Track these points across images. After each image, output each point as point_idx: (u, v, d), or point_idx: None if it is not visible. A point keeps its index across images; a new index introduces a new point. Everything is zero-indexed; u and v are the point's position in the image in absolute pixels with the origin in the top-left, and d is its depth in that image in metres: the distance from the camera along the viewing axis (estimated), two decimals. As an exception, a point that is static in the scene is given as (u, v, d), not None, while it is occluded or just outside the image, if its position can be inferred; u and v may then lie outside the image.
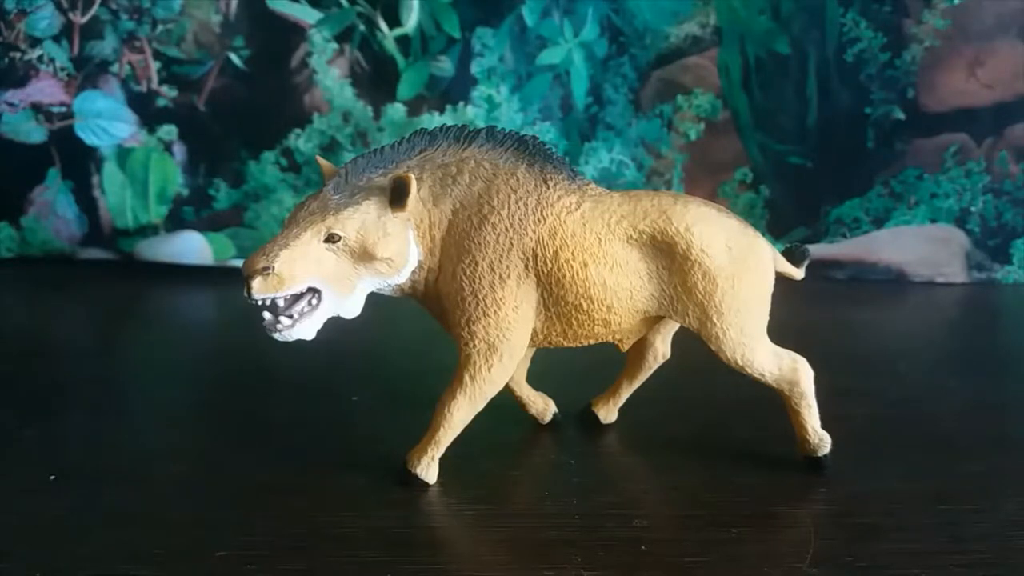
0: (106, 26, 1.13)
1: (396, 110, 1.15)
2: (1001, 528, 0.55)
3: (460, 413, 0.59)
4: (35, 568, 0.50)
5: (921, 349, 0.93)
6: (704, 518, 0.56)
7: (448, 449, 0.60)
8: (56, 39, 1.14)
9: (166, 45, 1.14)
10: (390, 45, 1.13)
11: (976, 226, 1.14)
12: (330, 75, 1.14)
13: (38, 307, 1.07)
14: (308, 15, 1.13)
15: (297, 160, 1.16)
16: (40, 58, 1.14)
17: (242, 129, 1.16)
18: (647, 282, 0.58)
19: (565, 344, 0.61)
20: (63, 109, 1.16)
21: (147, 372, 0.85)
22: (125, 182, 1.17)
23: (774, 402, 0.63)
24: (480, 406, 0.59)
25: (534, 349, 0.65)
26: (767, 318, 0.60)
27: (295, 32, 1.13)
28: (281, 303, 0.55)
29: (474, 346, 0.58)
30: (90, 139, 1.16)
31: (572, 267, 0.57)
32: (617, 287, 0.58)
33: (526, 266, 0.57)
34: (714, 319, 0.58)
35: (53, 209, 1.18)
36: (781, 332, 0.62)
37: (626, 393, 0.70)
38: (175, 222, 1.18)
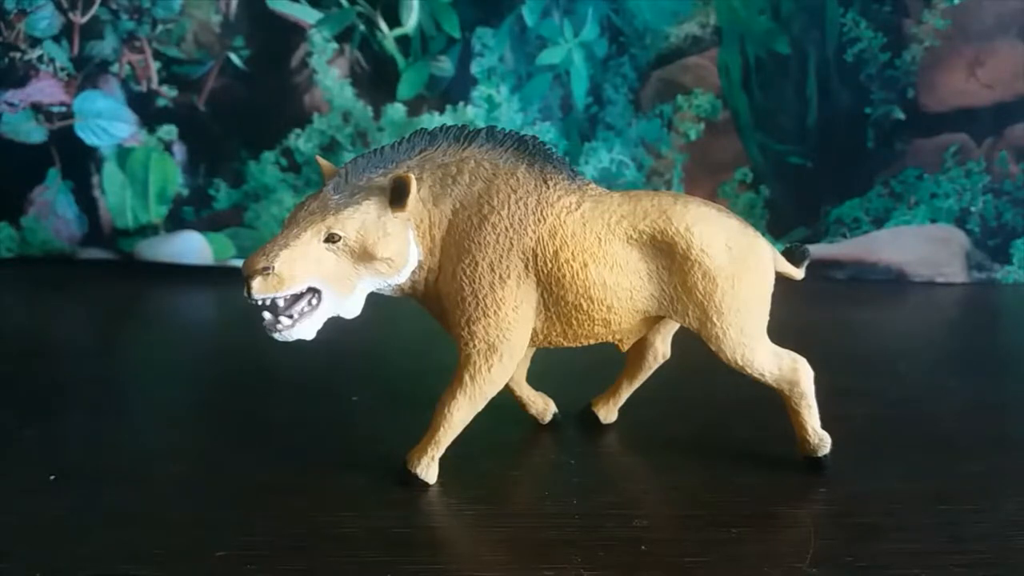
0: (106, 26, 1.13)
1: (396, 110, 1.15)
2: (1001, 528, 0.55)
3: (460, 413, 0.59)
4: (35, 568, 0.50)
5: (921, 349, 0.93)
6: (704, 518, 0.56)
7: (448, 449, 0.60)
8: (56, 39, 1.14)
9: (166, 45, 1.14)
10: (390, 45, 1.13)
11: (976, 226, 1.14)
12: (330, 75, 1.14)
13: (38, 307, 1.07)
14: (308, 15, 1.13)
15: (297, 160, 1.16)
16: (40, 58, 1.14)
17: (242, 129, 1.16)
18: (647, 282, 0.58)
19: (565, 344, 0.61)
20: (63, 109, 1.16)
21: (147, 372, 0.85)
22: (125, 182, 1.17)
23: (774, 402, 0.63)
24: (480, 406, 0.59)
25: (534, 349, 0.65)
26: (767, 318, 0.60)
27: (295, 32, 1.13)
28: (281, 303, 0.55)
29: (474, 346, 0.58)
30: (90, 139, 1.16)
31: (572, 267, 0.57)
32: (617, 287, 0.58)
33: (526, 266, 0.57)
34: (714, 319, 0.58)
35: (53, 209, 1.18)
36: (781, 332, 0.62)
37: (626, 393, 0.70)
38: (175, 222, 1.18)
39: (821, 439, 0.62)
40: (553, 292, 0.58)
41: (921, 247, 1.15)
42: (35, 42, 1.14)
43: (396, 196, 0.55)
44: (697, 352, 0.62)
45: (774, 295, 0.60)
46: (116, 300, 1.09)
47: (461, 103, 1.14)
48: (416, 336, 0.89)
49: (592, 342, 0.61)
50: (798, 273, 0.63)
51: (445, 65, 1.14)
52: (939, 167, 1.13)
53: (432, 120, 1.14)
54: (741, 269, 0.58)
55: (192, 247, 1.18)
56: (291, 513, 0.56)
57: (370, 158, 0.57)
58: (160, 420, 0.73)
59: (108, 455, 0.65)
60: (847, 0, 1.10)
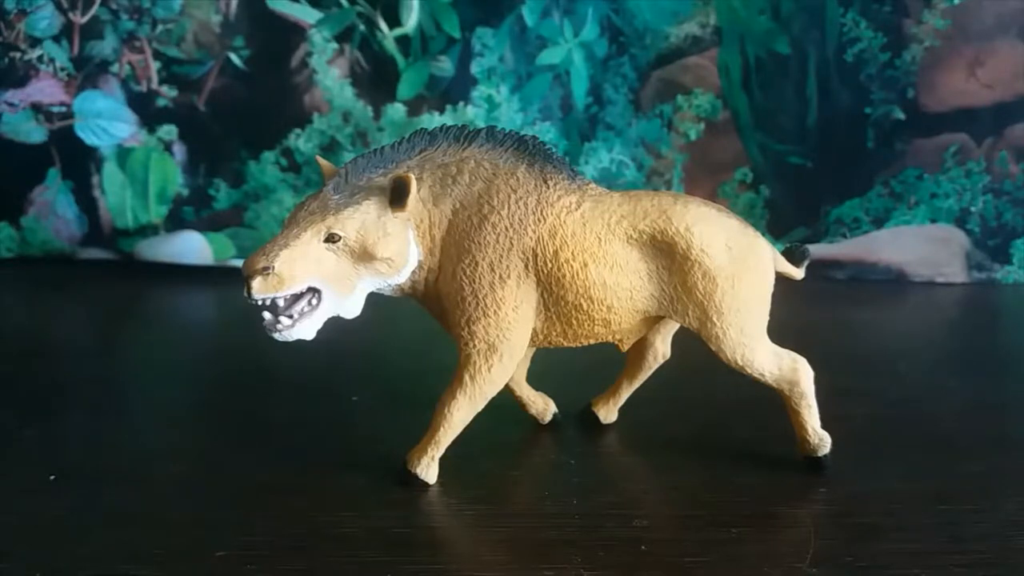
0: (106, 26, 1.13)
1: (396, 110, 1.15)
2: (1001, 528, 0.55)
3: (460, 413, 0.59)
4: (35, 568, 0.50)
5: (921, 349, 0.93)
6: (704, 518, 0.56)
7: (448, 449, 0.60)
8: (56, 39, 1.14)
9: (166, 45, 1.14)
10: (390, 45, 1.13)
11: (976, 226, 1.14)
12: (330, 75, 1.14)
13: (38, 307, 1.07)
14: (308, 15, 1.13)
15: (297, 160, 1.16)
16: (40, 58, 1.14)
17: (242, 129, 1.16)
18: (647, 282, 0.58)
19: (565, 344, 0.61)
20: (63, 109, 1.16)
21: (147, 372, 0.85)
22: (125, 182, 1.17)
23: (774, 402, 0.62)
24: (480, 406, 0.59)
25: (534, 349, 0.65)
26: (767, 318, 0.60)
27: (295, 32, 1.13)
28: (281, 303, 0.55)
29: (474, 346, 0.58)
30: (90, 139, 1.16)
31: (572, 267, 0.57)
32: (617, 287, 0.58)
33: (526, 266, 0.57)
34: (714, 319, 0.58)
35: (53, 209, 1.18)
36: (781, 332, 0.62)
37: (626, 393, 0.70)
38: (175, 222, 1.18)
39: (821, 439, 0.62)
40: (553, 292, 0.58)
41: (921, 247, 1.15)
42: (35, 42, 1.14)
43: (396, 196, 0.55)
44: (697, 352, 0.62)
45: (774, 295, 0.60)
46: (116, 300, 1.09)
47: (461, 103, 1.14)
48: (416, 336, 0.89)
49: (592, 342, 0.61)
50: (798, 273, 0.63)
51: (445, 65, 1.14)
52: (939, 167, 1.13)
53: (432, 120, 1.14)
54: (741, 269, 0.58)
55: (192, 247, 1.18)
56: (291, 513, 0.56)
57: (370, 158, 0.57)
58: (160, 420, 0.73)
59: (108, 455, 0.65)
60: (847, 0, 1.10)
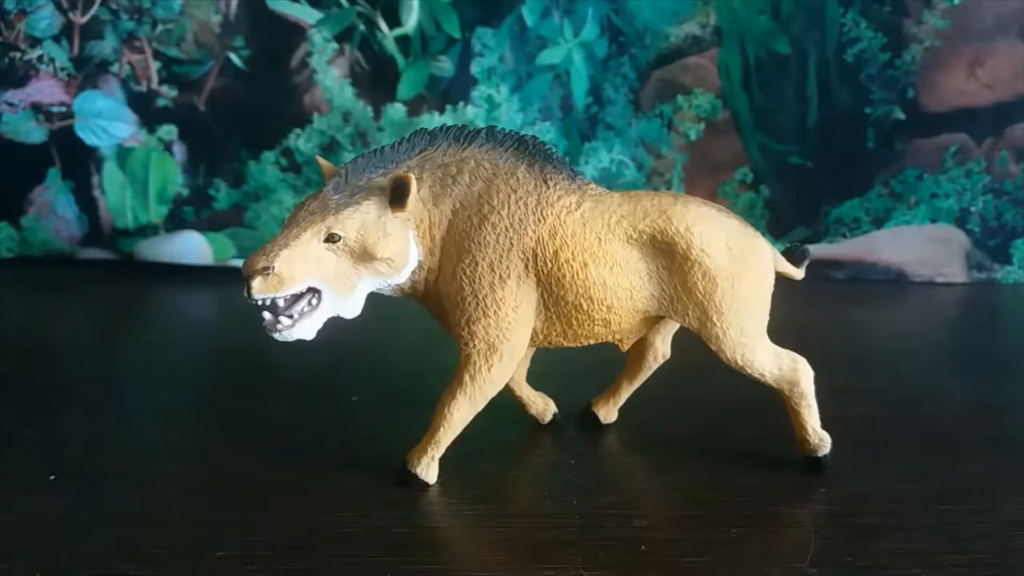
0: (106, 26, 1.13)
1: (396, 110, 1.15)
2: (1001, 528, 0.55)
3: (460, 413, 0.59)
4: (35, 568, 0.50)
5: (921, 349, 0.93)
6: (704, 518, 0.56)
7: (448, 449, 0.60)
8: (56, 39, 1.14)
9: (166, 45, 1.14)
10: (390, 45, 1.13)
11: (976, 226, 1.14)
12: (330, 75, 1.14)
13: (38, 307, 1.07)
14: (308, 15, 1.13)
15: (297, 160, 1.16)
16: (40, 58, 1.14)
17: (242, 129, 1.16)
18: (647, 282, 0.58)
19: (565, 344, 0.61)
20: (63, 109, 1.16)
21: (147, 372, 0.85)
22: (125, 182, 1.17)
23: (774, 402, 0.63)
24: (480, 406, 0.59)
25: (534, 349, 0.65)
26: (767, 318, 0.60)
27: (295, 32, 1.13)
28: (281, 303, 0.55)
29: (474, 346, 0.58)
30: (90, 139, 1.16)
31: (572, 267, 0.57)
32: (617, 287, 0.58)
33: (526, 266, 0.57)
34: (714, 319, 0.58)
35: (53, 209, 1.18)
36: (781, 332, 0.62)
37: (626, 393, 0.70)
38: (175, 222, 1.18)
39: (821, 439, 0.62)
40: (553, 292, 0.58)
41: (921, 247, 1.15)
42: (35, 42, 1.14)
43: (396, 196, 0.55)
44: (697, 352, 0.62)
45: (774, 295, 0.60)
46: (116, 300, 1.09)
47: (461, 103, 1.14)
48: (416, 336, 0.89)
49: (592, 342, 0.61)
50: (798, 273, 0.63)
51: (445, 65, 1.14)
52: (939, 167, 1.13)
53: (432, 120, 1.14)
54: (741, 269, 0.58)
55: (192, 247, 1.18)
56: (291, 513, 0.56)
57: (370, 158, 0.57)
58: (160, 420, 0.73)
59: (108, 455, 0.65)
60: (847, 0, 1.10)
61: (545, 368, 0.71)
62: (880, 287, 1.15)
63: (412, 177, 0.55)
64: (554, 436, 0.69)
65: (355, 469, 0.62)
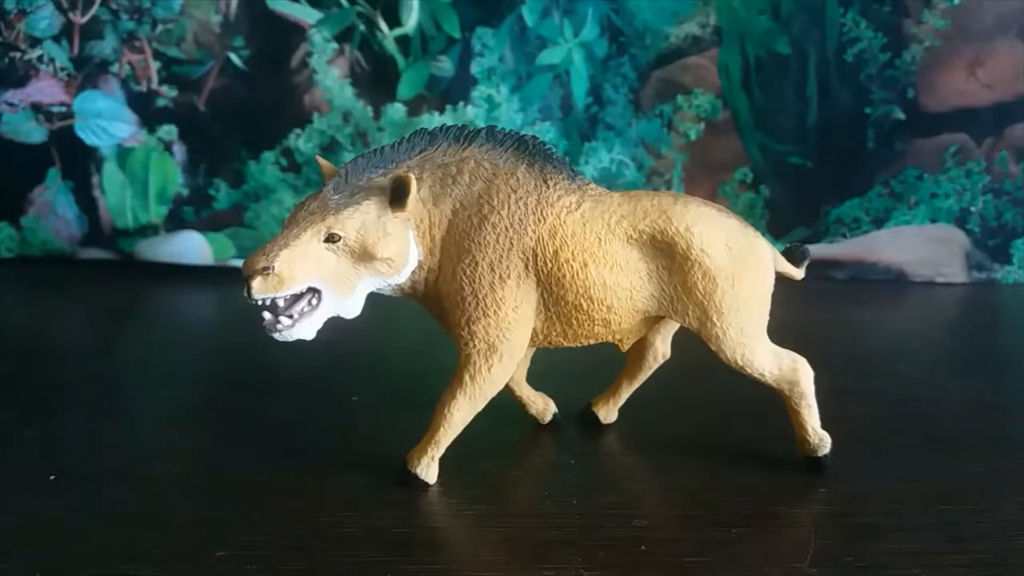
0: (106, 26, 1.13)
1: (396, 110, 1.15)
2: (1001, 528, 0.55)
3: (460, 413, 0.59)
4: (35, 568, 0.50)
5: (921, 349, 0.93)
6: (704, 518, 0.56)
7: (448, 449, 0.60)
8: (56, 39, 1.14)
9: (166, 45, 1.14)
10: (390, 45, 1.13)
11: (976, 226, 1.14)
12: (330, 75, 1.14)
13: (38, 307, 1.07)
14: (308, 15, 1.13)
15: (297, 160, 1.16)
16: (40, 58, 1.14)
17: (242, 129, 1.16)
18: (647, 282, 0.58)
19: (565, 344, 0.61)
20: (63, 109, 1.16)
21: (147, 372, 0.85)
22: (125, 182, 1.17)
23: (774, 402, 0.62)
24: (480, 406, 0.59)
25: (534, 349, 0.65)
26: (767, 318, 0.60)
27: (295, 32, 1.13)
28: (281, 303, 0.55)
29: (474, 346, 0.58)
30: (90, 139, 1.16)
31: (572, 267, 0.57)
32: (617, 287, 0.58)
33: (526, 266, 0.57)
34: (714, 319, 0.58)
35: (53, 209, 1.18)
36: (781, 332, 0.62)
37: (626, 393, 0.70)
38: (175, 222, 1.18)
39: (821, 439, 0.62)
40: (553, 292, 0.58)
41: (921, 247, 1.15)
42: (35, 42, 1.14)
43: (396, 196, 0.55)
44: (697, 352, 0.62)
45: (774, 295, 0.60)
46: (116, 300, 1.09)
47: (461, 103, 1.14)
48: (416, 336, 0.89)
49: (592, 342, 0.61)
50: (798, 273, 0.63)
51: (445, 65, 1.14)
52: (939, 167, 1.13)
53: (432, 120, 1.14)
54: (741, 269, 0.58)
55: (192, 247, 1.18)
56: (291, 513, 0.56)
57: (370, 158, 0.57)
58: (160, 420, 0.73)
59: (108, 455, 0.65)
60: (847, 0, 1.10)
61: (545, 368, 0.71)
62: (880, 287, 1.15)
63: (412, 177, 0.55)
64: (554, 436, 0.69)
65: (355, 469, 0.62)
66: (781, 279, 0.61)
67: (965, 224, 1.14)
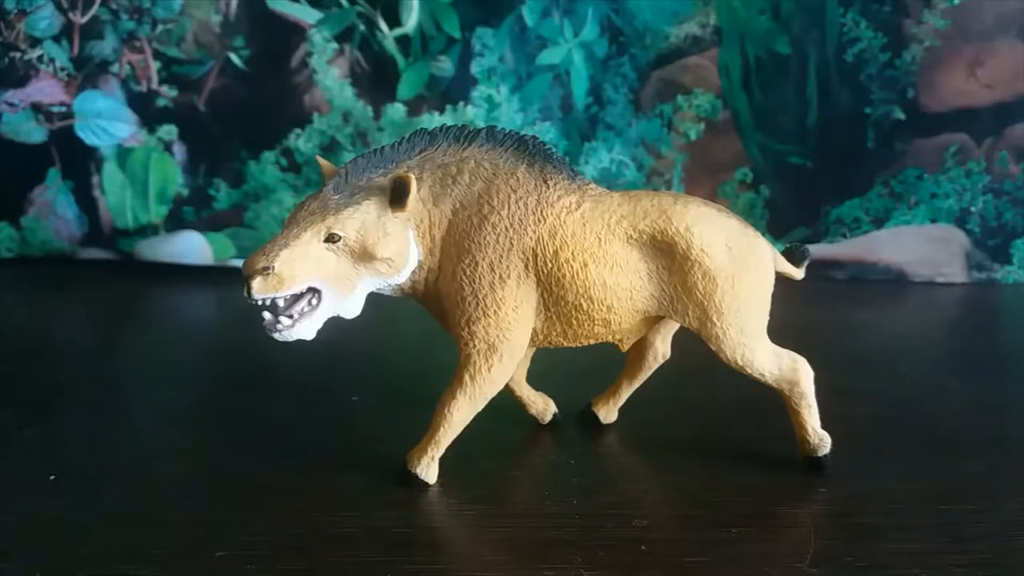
0: (106, 26, 1.13)
1: (396, 110, 1.15)
2: (1001, 528, 0.55)
3: (460, 413, 0.59)
4: (35, 568, 0.50)
5: (921, 349, 0.93)
6: (704, 518, 0.56)
7: (448, 449, 0.60)
8: (56, 39, 1.14)
9: (166, 45, 1.14)
10: (390, 45, 1.13)
11: (976, 226, 1.14)
12: (330, 75, 1.14)
13: (38, 307, 1.07)
14: (308, 15, 1.13)
15: (297, 160, 1.16)
16: (40, 58, 1.14)
17: (242, 129, 1.16)
18: (647, 282, 0.58)
19: (565, 344, 0.61)
20: (63, 109, 1.16)
21: (147, 372, 0.85)
22: (125, 182, 1.17)
23: (774, 402, 0.62)
24: (480, 406, 0.59)
25: (534, 349, 0.65)
26: (767, 318, 0.60)
27: (295, 32, 1.13)
28: (281, 303, 0.55)
29: (474, 346, 0.58)
30: (90, 139, 1.16)
31: (572, 267, 0.57)
32: (617, 287, 0.58)
33: (526, 266, 0.57)
34: (714, 319, 0.58)
35: (53, 209, 1.18)
36: (781, 332, 0.62)
37: (626, 393, 0.70)
38: (175, 222, 1.18)
39: (821, 439, 0.62)
40: (553, 292, 0.58)
41: (921, 247, 1.15)
42: (35, 42, 1.14)
43: (396, 196, 0.55)
44: (697, 352, 0.62)
45: (774, 295, 0.60)
46: (116, 300, 1.09)
47: (461, 103, 1.14)
48: (416, 336, 0.89)
49: (592, 342, 0.61)
50: (798, 273, 0.63)
51: (445, 65, 1.14)
52: (939, 167, 1.13)
53: (432, 120, 1.14)
54: (741, 269, 0.58)
55: (192, 247, 1.18)
56: (291, 513, 0.56)
57: (370, 158, 0.57)
58: (160, 420, 0.73)
59: (108, 455, 0.65)
60: (847, 0, 1.10)
61: (545, 368, 0.71)
62: (880, 287, 1.15)
63: (412, 177, 0.55)
64: (554, 436, 0.69)
65: (355, 469, 0.62)
66: (781, 279, 0.61)
67: (965, 224, 1.14)
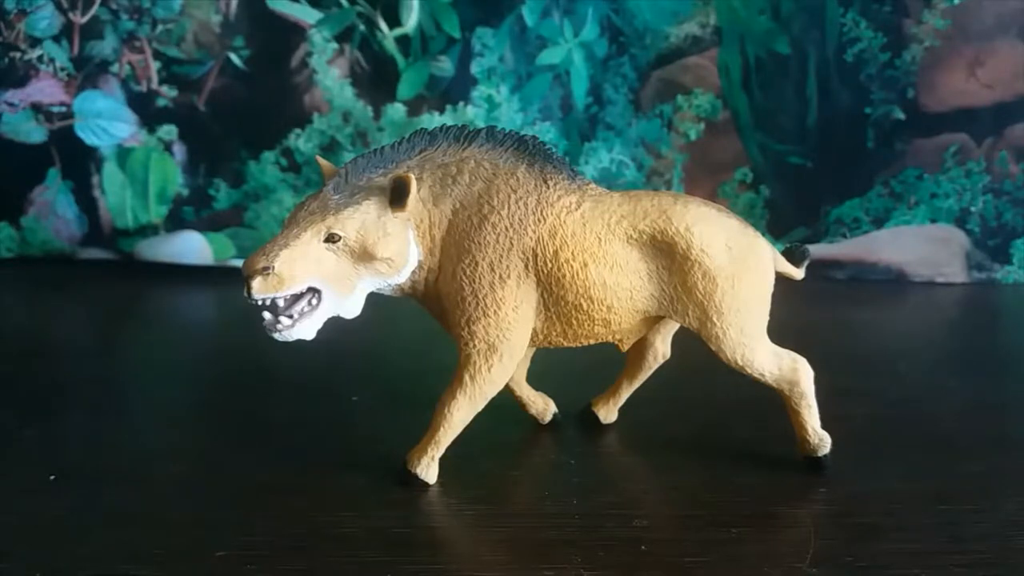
0: (106, 26, 1.13)
1: (396, 110, 1.15)
2: (1001, 528, 0.55)
3: (460, 413, 0.59)
4: (35, 568, 0.50)
5: (921, 349, 0.93)
6: (704, 518, 0.56)
7: (448, 449, 0.60)
8: (56, 39, 1.14)
9: (166, 45, 1.14)
10: (390, 45, 1.13)
11: (976, 226, 1.14)
12: (330, 75, 1.14)
13: (38, 307, 1.07)
14: (308, 15, 1.13)
15: (297, 160, 1.16)
16: (40, 58, 1.14)
17: (242, 129, 1.16)
18: (647, 282, 0.58)
19: (565, 344, 0.61)
20: (63, 109, 1.16)
21: (147, 372, 0.85)
22: (125, 182, 1.17)
23: (774, 402, 0.62)
24: (480, 406, 0.59)
25: (534, 349, 0.65)
26: (767, 318, 0.60)
27: (295, 32, 1.13)
28: (281, 303, 0.55)
29: (474, 346, 0.58)
30: (90, 139, 1.16)
31: (572, 267, 0.57)
32: (617, 287, 0.58)
33: (526, 266, 0.57)
34: (714, 319, 0.58)
35: (53, 209, 1.18)
36: (781, 332, 0.62)
37: (626, 393, 0.70)
38: (175, 222, 1.18)
39: (821, 439, 0.62)
40: (553, 292, 0.58)
41: (921, 247, 1.15)
42: (35, 42, 1.14)
43: (396, 196, 0.55)
44: (697, 352, 0.62)
45: (774, 295, 0.60)
46: (116, 300, 1.09)
47: (461, 103, 1.14)
48: (416, 336, 0.89)
49: (592, 342, 0.61)
50: (798, 273, 0.63)
51: (445, 65, 1.14)
52: (939, 167, 1.13)
53: (432, 120, 1.14)
54: (741, 269, 0.58)
55: (192, 247, 1.18)
56: (291, 513, 0.56)
57: (370, 158, 0.57)
58: (160, 420, 0.73)
59: (108, 455, 0.65)
60: (847, 0, 1.10)
61: (545, 368, 0.71)
62: (880, 287, 1.15)
63: (412, 177, 0.55)
64: (554, 436, 0.69)
65: (355, 469, 0.62)
66: (781, 279, 0.61)
67: (965, 224, 1.14)
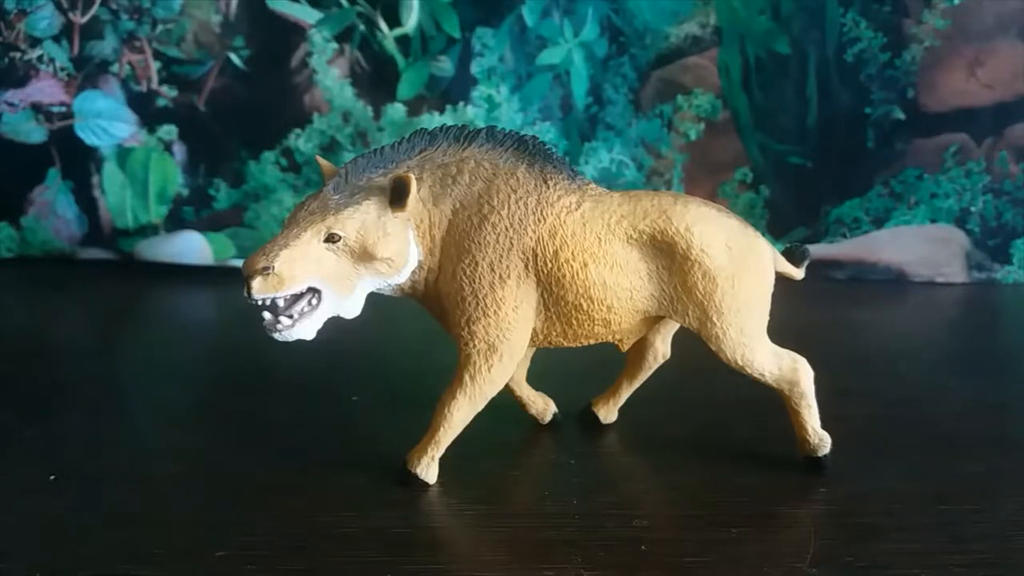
0: (106, 26, 1.13)
1: (396, 110, 1.15)
2: (1001, 528, 0.55)
3: (460, 413, 0.59)
4: (35, 568, 0.50)
5: (921, 349, 0.93)
6: (704, 518, 0.56)
7: (448, 449, 0.60)
8: (56, 39, 1.14)
9: (166, 45, 1.14)
10: (390, 45, 1.13)
11: (976, 226, 1.14)
12: (330, 75, 1.14)
13: (38, 307, 1.07)
14: (308, 15, 1.13)
15: (297, 160, 1.16)
16: (40, 58, 1.14)
17: (242, 129, 1.16)
18: (647, 282, 0.58)
19: (565, 344, 0.61)
20: (63, 109, 1.16)
21: (147, 372, 0.85)
22: (125, 182, 1.17)
23: (774, 402, 0.62)
24: (480, 406, 0.59)
25: (534, 349, 0.65)
26: (767, 318, 0.60)
27: (295, 32, 1.13)
28: (281, 303, 0.55)
29: (474, 346, 0.58)
30: (90, 139, 1.16)
31: (572, 267, 0.57)
32: (617, 287, 0.58)
33: (526, 266, 0.57)
34: (714, 319, 0.58)
35: (53, 209, 1.18)
36: (781, 332, 0.62)
37: (626, 393, 0.70)
38: (175, 222, 1.18)
39: (821, 439, 0.62)
40: (553, 292, 0.58)
41: (921, 247, 1.15)
42: (35, 42, 1.14)
43: (396, 196, 0.55)
44: (697, 352, 0.62)
45: (774, 295, 0.60)
46: (116, 300, 1.09)
47: (461, 103, 1.14)
48: (416, 336, 0.89)
49: (592, 342, 0.61)
50: (798, 273, 0.63)
51: (445, 65, 1.14)
52: (939, 167, 1.13)
53: (432, 120, 1.14)
54: (741, 269, 0.58)
55: (192, 247, 1.18)
56: (291, 513, 0.56)
57: (370, 158, 0.57)
58: (160, 420, 0.73)
59: (108, 455, 0.65)
60: (847, 0, 1.10)
61: (545, 368, 0.71)
62: (880, 287, 1.15)
63: (412, 177, 0.55)
64: (554, 436, 0.69)
65: (355, 469, 0.62)
66: (781, 279, 0.61)
67: (965, 224, 1.14)
